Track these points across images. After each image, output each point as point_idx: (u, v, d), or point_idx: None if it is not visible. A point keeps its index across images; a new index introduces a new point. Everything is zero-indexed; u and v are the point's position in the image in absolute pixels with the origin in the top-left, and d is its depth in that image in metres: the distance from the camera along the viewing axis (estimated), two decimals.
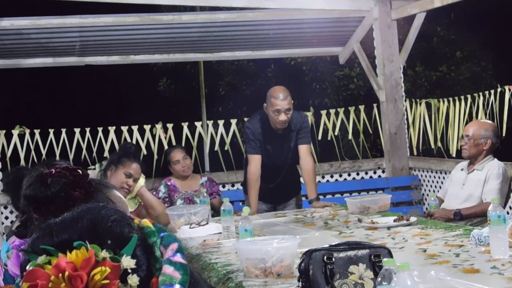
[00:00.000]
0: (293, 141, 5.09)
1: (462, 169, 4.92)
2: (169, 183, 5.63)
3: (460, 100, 6.03)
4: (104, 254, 0.89)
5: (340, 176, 6.76)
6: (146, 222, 0.99)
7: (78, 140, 6.17)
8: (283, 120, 4.89)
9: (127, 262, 0.90)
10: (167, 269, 0.92)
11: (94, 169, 5.10)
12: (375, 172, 6.81)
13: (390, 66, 6.52)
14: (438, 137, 6.27)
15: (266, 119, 5.02)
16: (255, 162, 5.02)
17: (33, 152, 5.99)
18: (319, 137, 6.64)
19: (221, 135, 6.44)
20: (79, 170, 1.79)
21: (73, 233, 0.92)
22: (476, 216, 4.61)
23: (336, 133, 6.65)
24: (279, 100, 4.86)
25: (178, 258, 0.94)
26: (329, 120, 6.67)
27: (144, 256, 0.94)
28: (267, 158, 5.08)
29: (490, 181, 4.63)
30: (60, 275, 0.87)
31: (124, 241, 0.92)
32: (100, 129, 6.26)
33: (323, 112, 6.71)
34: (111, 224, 0.94)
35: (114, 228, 0.94)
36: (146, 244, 0.95)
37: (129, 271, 0.90)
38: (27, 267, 0.90)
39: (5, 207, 5.97)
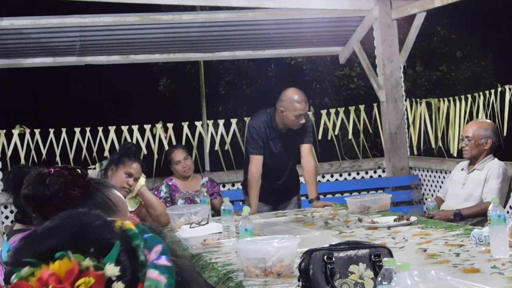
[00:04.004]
0: (297, 141, 5.10)
1: (462, 169, 4.92)
2: (170, 183, 5.62)
3: (460, 100, 6.03)
4: (87, 262, 0.88)
5: (340, 175, 6.76)
6: (129, 224, 0.96)
7: (78, 139, 6.17)
8: (303, 123, 4.92)
9: (111, 270, 0.88)
10: (152, 274, 0.91)
11: (95, 168, 5.10)
12: (375, 172, 6.81)
13: (390, 66, 6.52)
14: (439, 136, 6.26)
15: (270, 119, 5.01)
16: (256, 162, 5.01)
17: (33, 152, 5.99)
18: (319, 137, 6.64)
19: (221, 135, 6.44)
20: (78, 170, 1.79)
21: (55, 242, 0.90)
22: (476, 216, 4.60)
23: (336, 133, 6.65)
24: (302, 105, 4.86)
25: (163, 261, 0.92)
26: (329, 119, 6.67)
27: (129, 260, 0.92)
28: (271, 158, 5.07)
29: (490, 181, 4.63)
30: None
31: (107, 247, 0.90)
32: (100, 128, 6.26)
33: (323, 112, 6.71)
34: (93, 230, 0.93)
35: (96, 234, 0.92)
36: (130, 247, 0.94)
37: (113, 279, 0.89)
38: (12, 279, 0.89)
39: (5, 207, 5.97)
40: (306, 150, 5.08)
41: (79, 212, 0.97)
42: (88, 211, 0.99)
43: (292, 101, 4.87)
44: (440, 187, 5.98)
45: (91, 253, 0.89)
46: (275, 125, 5.01)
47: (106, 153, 6.12)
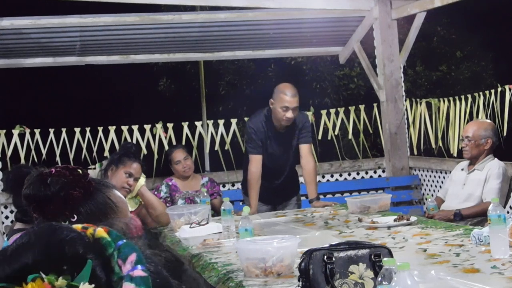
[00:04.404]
0: (295, 140, 5.09)
1: (462, 169, 4.92)
2: (170, 183, 5.62)
3: (460, 100, 6.03)
4: (60, 282, 0.86)
5: (340, 175, 6.75)
6: (101, 232, 0.93)
7: (78, 139, 6.17)
8: (290, 118, 4.88)
9: None
10: (128, 287, 0.89)
11: (95, 168, 5.11)
12: (375, 172, 6.81)
13: (390, 66, 6.52)
14: (439, 136, 6.26)
15: (268, 118, 5.01)
16: (256, 162, 5.01)
17: (33, 152, 5.99)
18: (319, 137, 6.64)
19: (221, 135, 6.44)
20: (79, 170, 1.79)
21: (27, 261, 0.88)
22: (476, 216, 4.60)
23: (336, 133, 6.65)
24: (289, 97, 4.85)
25: (138, 271, 0.90)
26: (329, 119, 6.67)
27: (103, 274, 0.90)
28: (269, 158, 5.07)
29: (490, 181, 4.63)
30: None
31: (80, 262, 0.88)
32: (100, 128, 6.26)
33: (323, 112, 6.71)
34: (65, 246, 0.90)
35: (69, 250, 0.90)
36: (104, 257, 0.92)
37: None
38: None
39: (5, 207, 5.97)
40: (305, 150, 5.08)
41: (50, 226, 0.94)
42: (59, 224, 0.96)
43: (280, 92, 4.89)
44: (440, 187, 5.98)
45: (64, 271, 0.87)
46: (273, 124, 5.01)
47: (106, 153, 6.12)
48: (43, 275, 0.86)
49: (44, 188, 1.74)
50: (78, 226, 0.95)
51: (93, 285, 0.86)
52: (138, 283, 0.88)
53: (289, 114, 4.86)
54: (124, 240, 0.93)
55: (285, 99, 4.84)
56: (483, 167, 4.71)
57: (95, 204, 1.75)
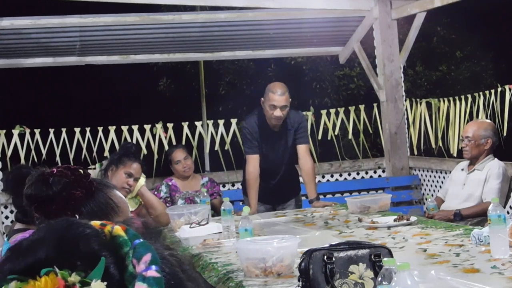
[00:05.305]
0: (290, 140, 5.07)
1: (462, 169, 4.92)
2: (170, 183, 5.63)
3: (460, 100, 6.03)
4: (73, 278, 0.87)
5: (340, 175, 6.76)
6: (118, 230, 0.93)
7: (78, 139, 6.18)
8: (278, 116, 4.88)
9: (98, 287, 0.87)
10: (140, 287, 0.89)
11: (95, 168, 5.11)
12: (375, 172, 6.81)
13: (390, 66, 6.52)
14: (439, 136, 6.27)
15: (262, 117, 5.01)
16: (253, 161, 5.01)
17: (33, 152, 6.00)
18: (319, 137, 6.64)
19: (221, 135, 6.44)
20: (80, 170, 1.79)
21: (42, 255, 0.89)
22: (476, 216, 4.61)
23: (336, 133, 6.65)
24: (277, 96, 4.86)
25: (152, 272, 0.89)
26: (329, 119, 6.67)
27: (117, 272, 0.91)
28: (264, 157, 5.06)
29: (490, 181, 4.63)
30: None
31: (94, 259, 0.88)
32: (100, 128, 6.26)
33: (323, 112, 6.71)
34: (80, 242, 0.91)
35: (84, 246, 0.90)
36: (119, 256, 0.92)
37: None
38: None
39: (5, 207, 5.98)
40: (303, 151, 5.07)
41: (66, 221, 0.94)
42: (77, 219, 0.96)
43: (269, 91, 4.92)
44: (440, 187, 5.99)
45: (78, 267, 0.87)
46: (266, 124, 5.01)
47: (106, 153, 6.13)
48: (57, 270, 0.86)
49: (46, 188, 1.74)
50: (96, 223, 0.95)
51: (105, 283, 0.87)
52: (151, 284, 0.88)
53: (277, 113, 4.86)
54: (141, 240, 0.93)
55: (273, 98, 4.85)
56: (483, 167, 4.71)
57: (96, 204, 1.75)
